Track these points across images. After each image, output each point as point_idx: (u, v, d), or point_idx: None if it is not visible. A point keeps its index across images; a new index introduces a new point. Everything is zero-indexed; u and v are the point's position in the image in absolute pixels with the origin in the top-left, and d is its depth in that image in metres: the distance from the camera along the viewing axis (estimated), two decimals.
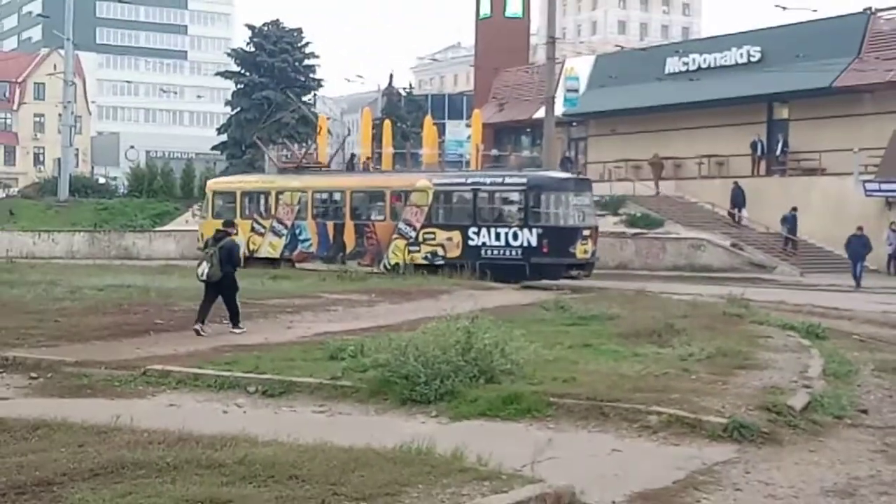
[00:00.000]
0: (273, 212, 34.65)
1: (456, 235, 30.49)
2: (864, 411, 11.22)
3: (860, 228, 32.24)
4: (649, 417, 9.97)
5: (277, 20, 76.15)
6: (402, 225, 31.59)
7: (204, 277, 16.78)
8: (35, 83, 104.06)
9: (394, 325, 16.43)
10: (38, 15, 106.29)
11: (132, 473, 7.16)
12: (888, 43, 39.32)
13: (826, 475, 8.69)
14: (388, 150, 42.85)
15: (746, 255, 36.68)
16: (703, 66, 45.23)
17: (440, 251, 30.70)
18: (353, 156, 44.44)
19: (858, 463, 9.13)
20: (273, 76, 72.34)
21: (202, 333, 16.22)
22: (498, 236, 29.80)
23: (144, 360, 13.19)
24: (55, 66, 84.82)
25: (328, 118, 57.87)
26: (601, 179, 46.31)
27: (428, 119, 46.53)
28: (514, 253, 29.54)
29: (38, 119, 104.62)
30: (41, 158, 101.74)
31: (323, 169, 38.04)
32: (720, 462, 8.86)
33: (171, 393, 11.78)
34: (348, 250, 32.73)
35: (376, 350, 12.39)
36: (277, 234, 34.15)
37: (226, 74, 79.08)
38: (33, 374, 12.75)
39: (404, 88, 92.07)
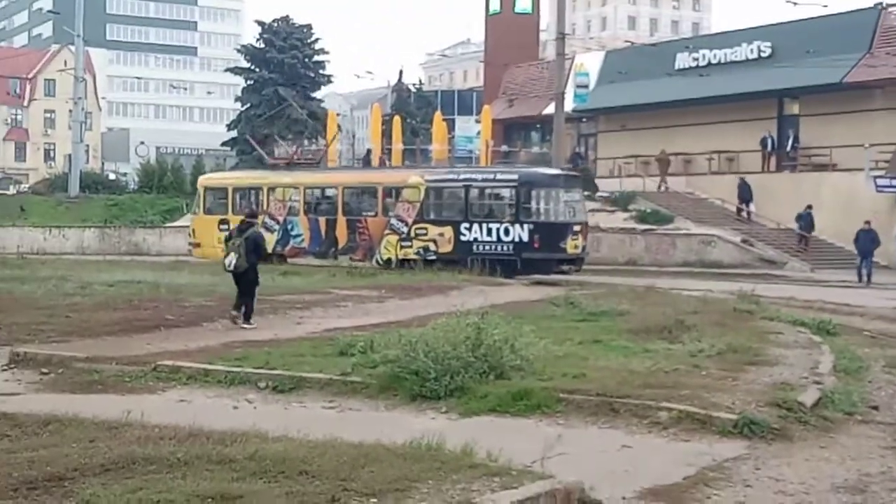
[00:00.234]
0: (265, 207, 34.81)
1: (448, 231, 30.79)
2: (875, 408, 11.17)
3: (868, 223, 32.15)
4: (659, 413, 9.96)
5: (287, 16, 76.27)
6: (394, 220, 31.85)
7: (231, 268, 17.15)
8: (45, 79, 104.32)
9: (404, 321, 16.40)
10: (49, 11, 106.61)
11: (143, 469, 7.16)
12: None
13: (837, 471, 8.67)
14: (397, 146, 42.91)
15: (757, 251, 36.62)
16: (714, 61, 45.10)
17: (432, 246, 31.00)
18: (368, 151, 44.51)
19: (869, 459, 9.11)
20: (283, 72, 72.45)
21: (238, 323, 16.87)
22: (490, 232, 30.13)
23: (155, 356, 13.20)
24: (65, 63, 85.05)
25: (338, 114, 57.88)
26: (611, 175, 46.32)
27: (437, 115, 46.61)
28: (505, 248, 29.85)
29: (48, 115, 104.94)
30: (52, 155, 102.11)
31: (314, 165, 38.38)
32: (730, 458, 8.84)
33: (182, 388, 11.79)
34: (340, 245, 32.99)
35: (386, 346, 12.38)
36: (269, 229, 34.24)
37: (236, 71, 79.26)
38: (44, 370, 12.78)
39: (414, 84, 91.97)
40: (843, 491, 8.14)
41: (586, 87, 46.10)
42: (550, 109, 40.96)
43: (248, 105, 73.32)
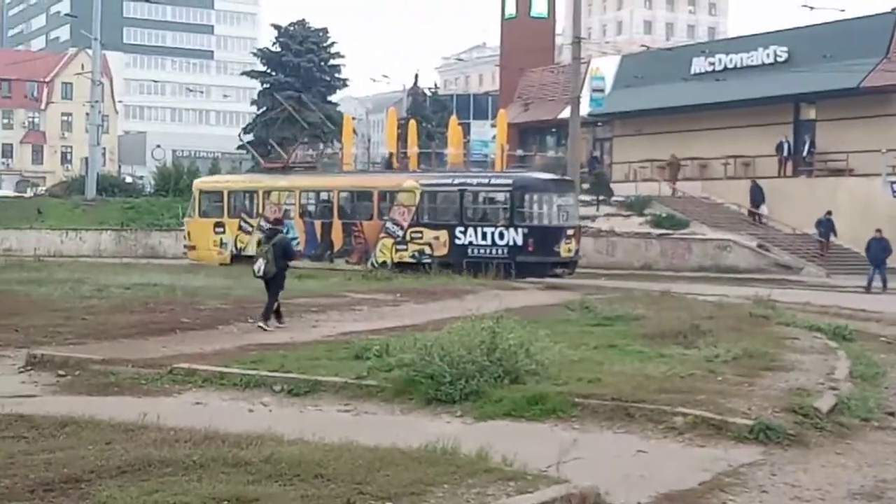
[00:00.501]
0: (260, 211, 35.08)
1: (443, 235, 31.24)
2: (892, 413, 11.13)
3: (879, 231, 31.80)
4: (675, 419, 9.93)
5: (303, 20, 76.45)
6: (389, 224, 32.24)
7: (260, 274, 17.48)
8: (63, 83, 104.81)
9: (419, 325, 16.44)
10: (66, 15, 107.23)
11: (159, 471, 7.20)
12: None
13: (853, 478, 8.63)
14: (413, 150, 42.91)
15: (773, 255, 36.51)
16: (730, 66, 45.03)
17: (427, 250, 31.43)
18: (391, 155, 44.46)
19: (886, 465, 9.07)
20: (299, 76, 72.60)
21: (281, 325, 17.24)
22: (484, 235, 30.59)
23: (171, 359, 13.25)
24: (83, 66, 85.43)
25: (353, 118, 57.94)
26: (626, 180, 46.29)
27: (453, 119, 46.50)
28: (500, 252, 30.25)
29: (65, 118, 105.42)
30: (69, 157, 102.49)
31: (311, 168, 38.79)
32: (746, 464, 8.82)
33: (198, 391, 11.82)
34: (336, 249, 33.31)
35: (401, 350, 12.39)
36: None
37: (252, 74, 79.45)
38: (61, 372, 12.83)
39: (429, 88, 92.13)
40: (859, 497, 8.11)
41: (602, 91, 46.06)
42: (566, 113, 40.91)
43: (264, 108, 73.47)
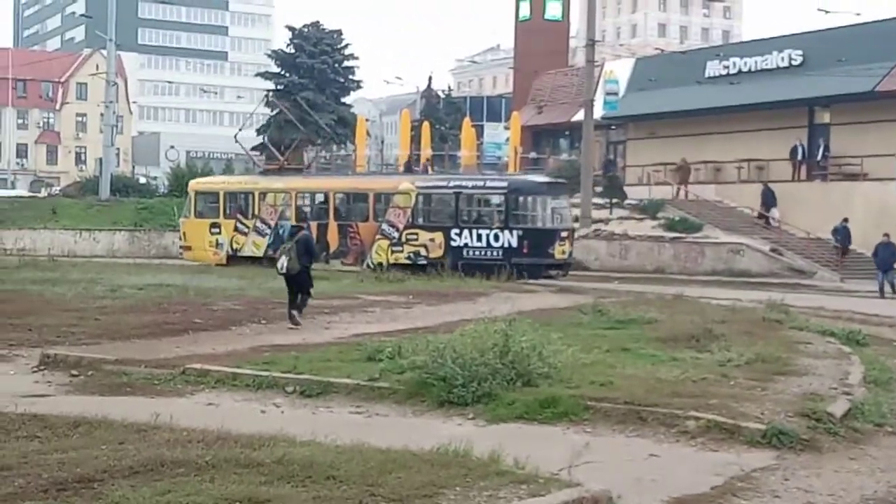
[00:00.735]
0: (256, 212, 35.31)
1: (438, 236, 31.58)
2: None
3: (887, 235, 31.61)
4: (687, 423, 9.91)
5: (317, 22, 76.63)
6: (385, 226, 32.56)
7: (283, 271, 17.82)
8: (77, 83, 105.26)
9: (431, 327, 16.44)
10: (81, 15, 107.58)
11: (171, 472, 7.21)
12: None
13: (866, 483, 8.60)
14: (426, 151, 42.97)
15: (786, 260, 36.39)
16: (744, 69, 44.93)
17: (423, 251, 31.77)
18: (410, 157, 44.49)
19: None
20: (313, 77, 72.70)
21: (297, 323, 17.51)
22: (480, 237, 30.99)
23: (183, 359, 13.27)
24: (97, 67, 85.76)
25: (367, 120, 58.03)
26: (640, 183, 46.20)
27: (466, 121, 46.61)
28: (495, 253, 30.62)
29: (80, 119, 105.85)
30: (83, 158, 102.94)
31: (304, 171, 38.84)
32: (759, 468, 8.78)
33: (210, 392, 11.84)
34: (332, 250, 33.45)
35: (414, 352, 12.38)
36: (261, 233, 34.89)
37: (266, 75, 79.60)
38: (74, 372, 12.87)
39: (443, 90, 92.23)
40: (872, 503, 8.08)
41: (616, 94, 46.01)
42: (579, 116, 40.91)
43: (278, 110, 73.55)
